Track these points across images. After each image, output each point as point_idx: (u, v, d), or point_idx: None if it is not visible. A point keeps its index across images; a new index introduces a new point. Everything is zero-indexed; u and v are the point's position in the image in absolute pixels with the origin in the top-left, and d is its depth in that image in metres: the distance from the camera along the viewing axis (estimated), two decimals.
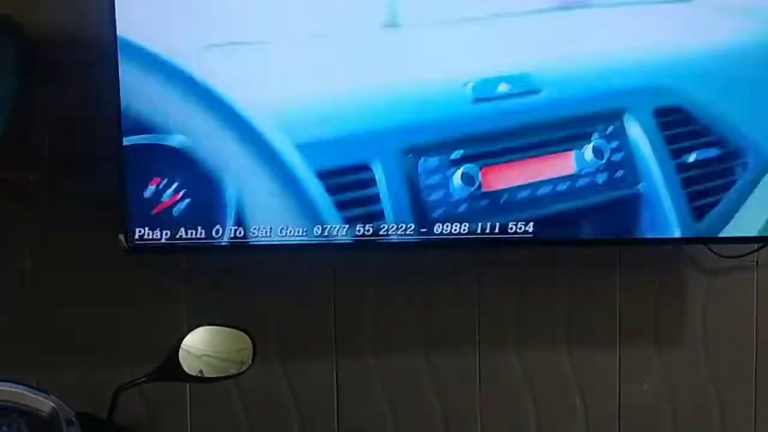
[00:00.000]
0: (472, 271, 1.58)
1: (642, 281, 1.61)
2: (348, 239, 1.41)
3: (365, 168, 1.39)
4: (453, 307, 1.59)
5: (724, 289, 1.62)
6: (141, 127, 1.35)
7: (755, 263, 1.60)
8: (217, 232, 1.39)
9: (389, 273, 1.56)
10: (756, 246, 1.56)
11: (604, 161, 1.43)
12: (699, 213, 1.45)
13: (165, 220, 1.38)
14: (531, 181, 1.42)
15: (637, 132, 1.42)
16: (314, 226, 1.40)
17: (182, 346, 1.21)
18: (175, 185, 1.37)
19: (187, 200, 1.38)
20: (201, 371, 1.22)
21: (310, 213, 1.39)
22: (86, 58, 1.43)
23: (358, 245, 1.42)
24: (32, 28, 1.41)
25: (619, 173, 1.43)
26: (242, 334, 1.24)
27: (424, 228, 1.41)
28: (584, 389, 1.63)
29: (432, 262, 1.55)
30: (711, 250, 1.56)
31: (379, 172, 1.39)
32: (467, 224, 1.42)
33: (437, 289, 1.59)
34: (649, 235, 1.45)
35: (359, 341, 1.59)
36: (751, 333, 1.63)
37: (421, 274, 1.57)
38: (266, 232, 1.39)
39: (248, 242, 1.39)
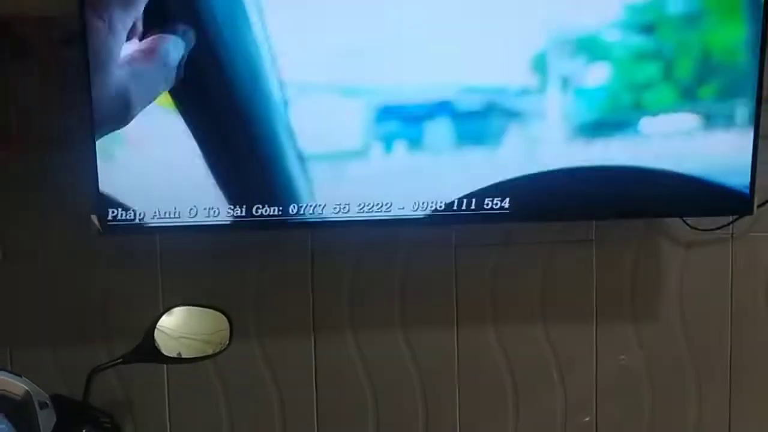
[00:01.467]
0: (449, 246, 1.58)
1: (618, 255, 1.62)
2: (324, 218, 1.40)
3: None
4: (430, 282, 1.59)
5: (700, 262, 1.63)
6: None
7: (730, 236, 1.62)
8: (192, 211, 1.38)
9: (366, 249, 1.56)
10: (730, 218, 1.57)
11: None
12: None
13: (138, 200, 1.36)
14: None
15: None
16: (290, 205, 1.39)
17: (158, 326, 1.20)
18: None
19: (161, 180, 1.36)
20: (179, 353, 1.21)
21: (286, 191, 1.39)
22: (57, 37, 1.41)
23: (335, 224, 1.41)
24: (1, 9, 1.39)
25: None
26: (218, 313, 1.23)
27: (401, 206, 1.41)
28: (562, 364, 1.64)
29: (409, 237, 1.55)
30: (686, 223, 1.57)
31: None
32: (443, 201, 1.42)
33: (414, 264, 1.59)
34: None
35: (337, 318, 1.58)
36: (726, 306, 1.64)
37: (398, 249, 1.57)
38: (242, 211, 1.38)
39: (224, 222, 1.38)
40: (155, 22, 1.31)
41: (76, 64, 1.32)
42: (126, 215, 1.36)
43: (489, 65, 1.40)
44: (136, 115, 1.33)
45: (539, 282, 1.62)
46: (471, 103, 1.40)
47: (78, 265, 1.51)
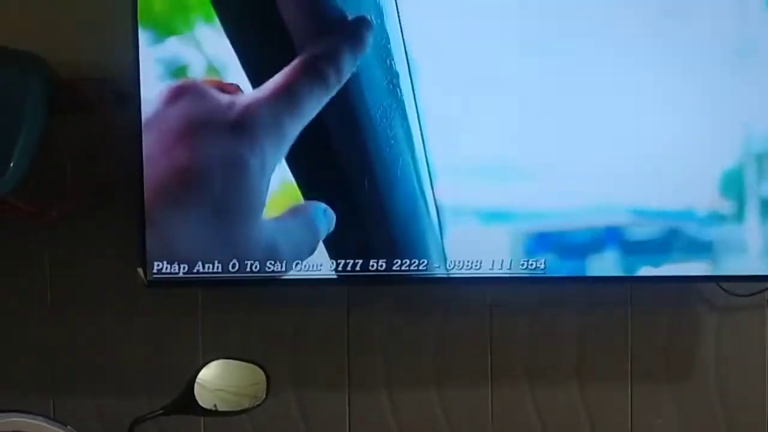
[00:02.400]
0: (484, 306, 1.60)
1: (653, 318, 1.62)
2: (362, 274, 1.43)
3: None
4: (465, 341, 1.60)
5: (735, 327, 1.62)
6: None
7: (767, 301, 1.61)
8: (234, 266, 1.41)
9: (402, 307, 1.58)
10: (767, 284, 1.57)
11: None
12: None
13: (183, 254, 1.40)
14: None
15: None
16: (329, 261, 1.42)
17: (197, 380, 1.22)
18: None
19: (204, 235, 1.41)
20: (215, 405, 1.24)
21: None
22: (111, 96, 1.47)
23: (372, 280, 1.44)
24: (58, 66, 1.45)
25: None
26: (256, 368, 1.25)
27: (437, 264, 1.44)
28: (596, 426, 1.63)
29: (444, 295, 1.57)
30: (722, 288, 1.57)
31: None
32: (480, 261, 1.44)
33: (449, 323, 1.60)
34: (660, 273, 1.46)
35: (372, 376, 1.60)
36: (763, 371, 1.63)
37: (433, 308, 1.59)
38: (281, 266, 1.42)
39: (264, 276, 1.41)
40: None
41: (129, 120, 1.37)
42: (170, 268, 1.41)
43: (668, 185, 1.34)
44: None
45: (574, 343, 1.62)
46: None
47: (122, 315, 1.56)
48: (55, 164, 1.49)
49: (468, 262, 1.43)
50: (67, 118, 1.48)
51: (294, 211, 1.38)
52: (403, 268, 1.43)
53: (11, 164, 1.36)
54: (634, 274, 1.45)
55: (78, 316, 1.55)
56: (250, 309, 1.56)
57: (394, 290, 1.56)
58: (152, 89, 1.36)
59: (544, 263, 1.44)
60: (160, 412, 1.21)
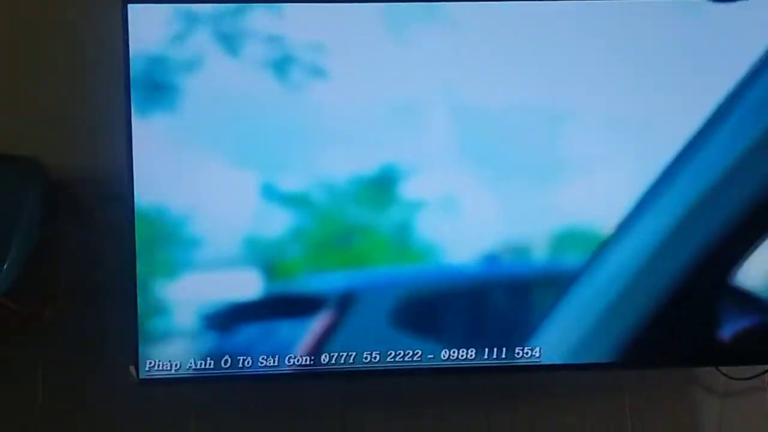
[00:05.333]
0: (480, 396, 1.58)
1: (652, 403, 1.60)
2: (356, 367, 1.42)
3: None
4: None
5: (736, 411, 1.60)
6: None
7: (767, 384, 1.59)
8: (226, 362, 1.41)
9: (397, 398, 1.56)
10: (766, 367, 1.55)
11: None
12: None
13: (174, 352, 1.40)
14: None
15: None
16: (321, 355, 1.42)
17: None
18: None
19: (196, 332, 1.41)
20: None
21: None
22: (104, 196, 1.51)
23: (366, 373, 1.43)
24: (52, 168, 1.49)
25: None
26: None
27: (431, 354, 1.43)
28: None
29: (440, 386, 1.56)
30: (720, 372, 1.55)
31: None
32: (473, 350, 1.43)
33: (445, 414, 1.58)
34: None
35: None
36: None
37: (429, 400, 1.57)
38: (274, 361, 1.41)
39: (256, 372, 1.41)
40: None
41: (121, 220, 1.40)
42: (162, 366, 1.40)
43: None
44: None
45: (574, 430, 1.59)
46: None
47: (116, 415, 1.53)
48: (49, 266, 1.51)
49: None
50: (61, 219, 1.51)
51: None
52: (396, 359, 1.43)
53: (4, 266, 1.38)
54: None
55: (70, 417, 1.53)
56: (241, 405, 1.54)
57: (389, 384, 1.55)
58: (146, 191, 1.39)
59: (539, 351, 1.44)
60: None
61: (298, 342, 1.42)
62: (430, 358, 1.43)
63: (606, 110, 1.43)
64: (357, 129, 1.42)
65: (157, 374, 1.40)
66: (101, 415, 1.54)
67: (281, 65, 1.40)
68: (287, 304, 1.42)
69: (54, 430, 1.53)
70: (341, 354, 1.42)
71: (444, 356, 1.43)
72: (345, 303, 1.42)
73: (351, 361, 1.42)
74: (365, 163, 1.42)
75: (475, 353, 1.43)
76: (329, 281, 1.42)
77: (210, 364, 1.40)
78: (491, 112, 1.43)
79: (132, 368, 1.40)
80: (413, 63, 1.42)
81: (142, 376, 1.40)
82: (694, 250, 1.43)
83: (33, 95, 1.55)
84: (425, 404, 1.57)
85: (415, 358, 1.43)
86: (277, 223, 1.41)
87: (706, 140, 1.43)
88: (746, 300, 1.45)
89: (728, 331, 1.45)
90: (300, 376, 1.42)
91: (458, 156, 1.43)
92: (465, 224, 1.43)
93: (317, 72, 1.41)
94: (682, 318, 1.44)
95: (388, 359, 1.42)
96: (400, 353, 1.42)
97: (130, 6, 1.39)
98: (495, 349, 1.43)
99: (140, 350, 1.39)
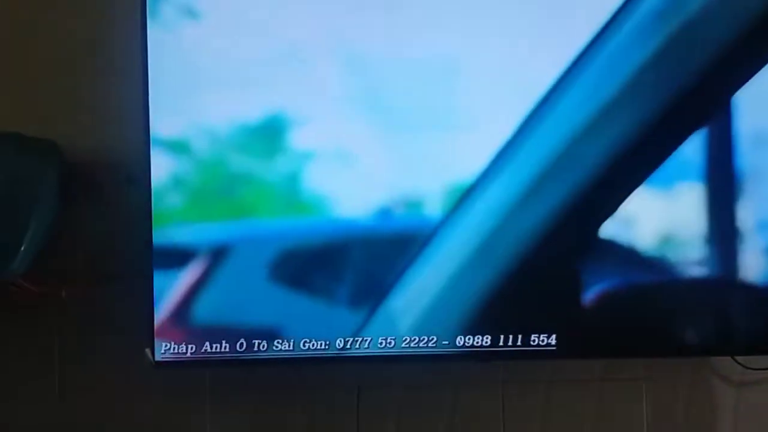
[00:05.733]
0: (496, 383, 1.58)
1: (669, 393, 1.58)
2: (370, 352, 1.42)
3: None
4: (477, 418, 1.58)
5: (753, 401, 1.58)
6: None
7: None
8: (241, 345, 1.41)
9: (412, 384, 1.56)
10: None
11: None
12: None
13: (190, 335, 1.40)
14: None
15: None
16: (336, 339, 1.42)
17: None
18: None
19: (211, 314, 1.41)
20: None
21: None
22: (122, 178, 1.51)
23: (381, 358, 1.43)
24: (69, 150, 1.49)
25: None
26: None
27: (446, 341, 1.43)
28: None
29: (456, 372, 1.55)
30: (737, 362, 1.54)
31: None
32: (489, 337, 1.43)
33: (461, 400, 1.58)
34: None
35: None
36: None
37: (444, 385, 1.57)
38: (290, 345, 1.41)
39: (272, 356, 1.41)
40: None
41: (138, 203, 1.40)
42: (178, 349, 1.40)
43: None
44: None
45: (589, 419, 1.58)
46: None
47: (132, 398, 1.54)
48: (66, 247, 1.51)
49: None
50: (78, 201, 1.51)
51: None
52: (412, 345, 1.42)
53: (22, 248, 1.38)
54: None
55: (86, 398, 1.54)
56: (258, 388, 1.54)
57: (406, 369, 1.54)
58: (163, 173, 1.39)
59: (555, 339, 1.43)
60: None
61: (165, 296, 1.39)
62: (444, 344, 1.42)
63: (497, 61, 1.38)
64: (239, 74, 1.38)
65: (172, 357, 1.40)
66: (117, 397, 1.54)
67: (153, 4, 1.37)
68: (158, 257, 1.39)
69: (70, 413, 1.54)
70: (356, 339, 1.41)
71: (459, 342, 1.42)
72: (217, 255, 1.39)
73: (366, 346, 1.41)
74: (249, 111, 1.38)
75: (490, 340, 1.42)
76: (203, 232, 1.39)
77: (225, 347, 1.40)
78: (384, 61, 1.38)
79: (148, 351, 1.40)
80: (301, 8, 1.39)
81: (158, 358, 1.40)
82: (556, 206, 1.38)
83: (50, 77, 1.55)
84: (442, 384, 1.57)
85: (430, 344, 1.42)
86: (156, 169, 1.38)
87: (564, 93, 1.38)
88: (614, 254, 1.42)
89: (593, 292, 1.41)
90: (315, 360, 1.42)
91: (350, 106, 1.38)
92: (356, 176, 1.38)
93: (190, 12, 1.37)
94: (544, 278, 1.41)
95: (403, 345, 1.42)
96: (415, 339, 1.42)
97: None
98: (510, 337, 1.42)
99: (156, 333, 1.39)
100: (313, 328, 1.41)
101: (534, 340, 1.42)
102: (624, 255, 1.42)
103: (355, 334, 1.41)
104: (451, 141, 1.39)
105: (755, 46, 1.39)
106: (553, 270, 1.42)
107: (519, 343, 1.42)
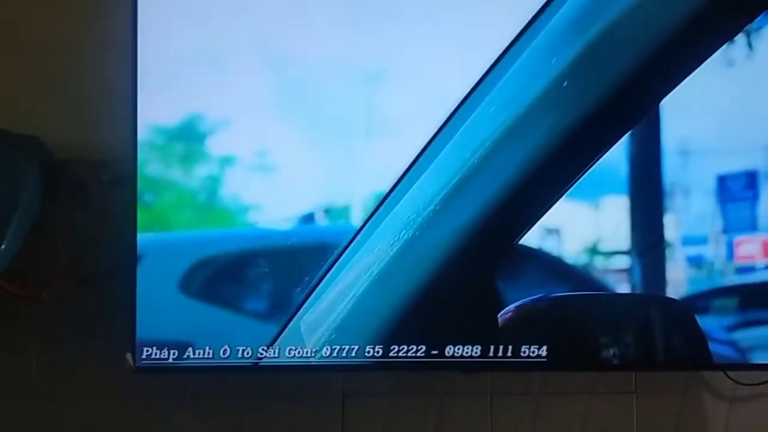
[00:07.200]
0: (484, 393, 1.56)
1: (659, 407, 1.57)
2: (357, 360, 1.39)
3: None
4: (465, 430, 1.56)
5: (744, 417, 1.57)
6: None
7: None
8: (225, 352, 1.38)
9: (399, 395, 1.54)
10: None
11: None
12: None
13: (172, 340, 1.37)
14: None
15: None
16: (323, 347, 1.39)
17: None
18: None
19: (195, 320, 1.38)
20: None
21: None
22: (107, 179, 1.48)
23: (368, 366, 1.40)
24: (56, 149, 1.46)
25: None
26: None
27: (435, 350, 1.40)
28: None
29: (443, 383, 1.54)
30: (728, 377, 1.53)
31: None
32: (479, 347, 1.40)
33: (448, 411, 1.55)
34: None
35: None
36: None
37: (432, 396, 1.55)
38: (275, 352, 1.38)
39: (256, 363, 1.38)
40: None
41: (124, 204, 1.38)
42: (160, 354, 1.37)
43: None
44: None
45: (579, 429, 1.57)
46: None
47: (110, 403, 1.51)
48: (48, 247, 1.48)
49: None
50: (62, 200, 1.48)
51: None
52: (400, 354, 1.40)
53: (2, 246, 1.35)
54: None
55: (64, 402, 1.51)
56: (240, 395, 1.51)
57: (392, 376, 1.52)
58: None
59: (546, 351, 1.41)
60: None
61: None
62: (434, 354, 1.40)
63: (419, 67, 1.37)
64: (154, 74, 1.34)
65: (154, 362, 1.37)
66: (96, 403, 1.51)
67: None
68: None
69: (48, 415, 1.51)
70: (343, 347, 1.39)
71: (448, 352, 1.40)
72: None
73: (353, 354, 1.39)
74: (165, 113, 1.35)
75: (480, 350, 1.40)
76: None
77: (209, 353, 1.37)
78: (308, 66, 1.36)
79: (129, 356, 1.37)
80: (223, 9, 1.36)
81: (138, 363, 1.37)
82: (473, 215, 1.35)
83: (35, 73, 1.53)
84: (429, 396, 1.55)
85: (418, 354, 1.40)
86: None
87: (482, 99, 1.35)
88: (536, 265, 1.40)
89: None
90: (300, 368, 1.39)
91: (273, 110, 1.35)
92: (278, 183, 1.35)
93: None
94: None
95: (391, 353, 1.39)
96: (403, 348, 1.39)
97: None
98: (500, 348, 1.40)
99: (138, 337, 1.37)
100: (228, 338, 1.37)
101: (524, 352, 1.40)
102: (546, 265, 1.41)
103: (269, 344, 1.37)
104: (374, 147, 1.37)
105: (678, 53, 1.35)
106: (472, 280, 1.38)
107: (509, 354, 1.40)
